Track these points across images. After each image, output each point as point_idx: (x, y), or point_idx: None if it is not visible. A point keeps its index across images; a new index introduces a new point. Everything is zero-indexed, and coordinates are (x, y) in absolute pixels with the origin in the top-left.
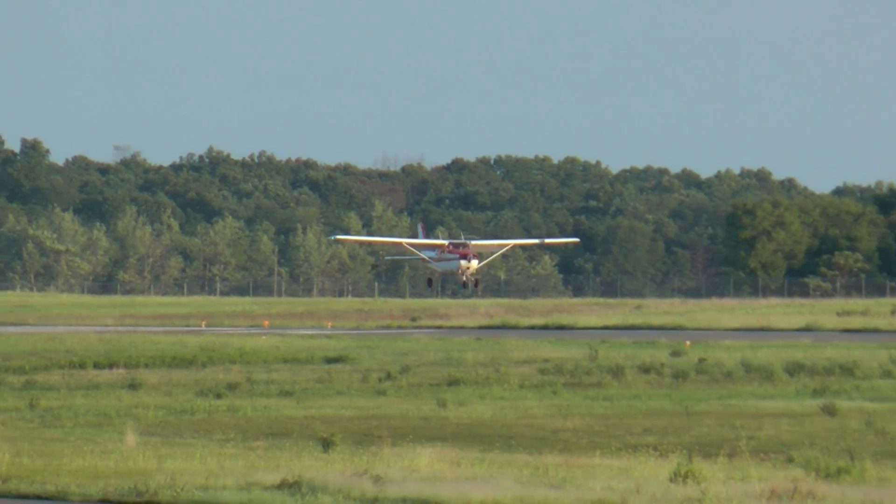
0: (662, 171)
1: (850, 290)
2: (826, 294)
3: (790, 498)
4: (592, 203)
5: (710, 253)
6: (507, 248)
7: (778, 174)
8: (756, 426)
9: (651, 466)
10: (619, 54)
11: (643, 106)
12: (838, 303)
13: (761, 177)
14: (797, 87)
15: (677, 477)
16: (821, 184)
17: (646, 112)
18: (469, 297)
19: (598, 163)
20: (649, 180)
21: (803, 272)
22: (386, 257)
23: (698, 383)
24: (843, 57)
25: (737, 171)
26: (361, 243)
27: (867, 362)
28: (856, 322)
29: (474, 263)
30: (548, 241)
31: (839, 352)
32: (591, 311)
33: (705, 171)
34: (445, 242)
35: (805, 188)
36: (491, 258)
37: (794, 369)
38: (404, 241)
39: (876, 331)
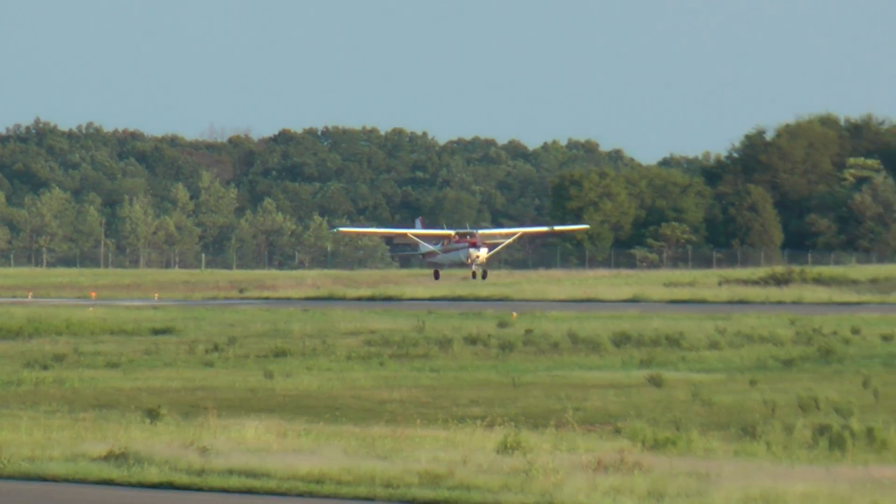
0: (489, 143)
1: (677, 261)
2: (653, 265)
3: (617, 468)
4: (419, 174)
5: (536, 224)
6: (515, 236)
7: (605, 145)
8: (583, 397)
9: (478, 437)
10: (442, 23)
11: (469, 77)
12: (665, 274)
13: (588, 148)
14: (622, 59)
15: (504, 448)
16: (648, 155)
17: (472, 83)
18: (296, 268)
19: (424, 134)
20: (476, 151)
21: (630, 243)
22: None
23: (525, 354)
24: (668, 29)
25: (564, 142)
26: (364, 235)
27: (693, 333)
28: (682, 293)
29: (483, 252)
30: (557, 227)
31: (666, 323)
32: (418, 283)
33: (532, 143)
34: (452, 233)
35: (632, 159)
36: (499, 248)
37: (620, 340)
38: (409, 231)
39: (702, 302)
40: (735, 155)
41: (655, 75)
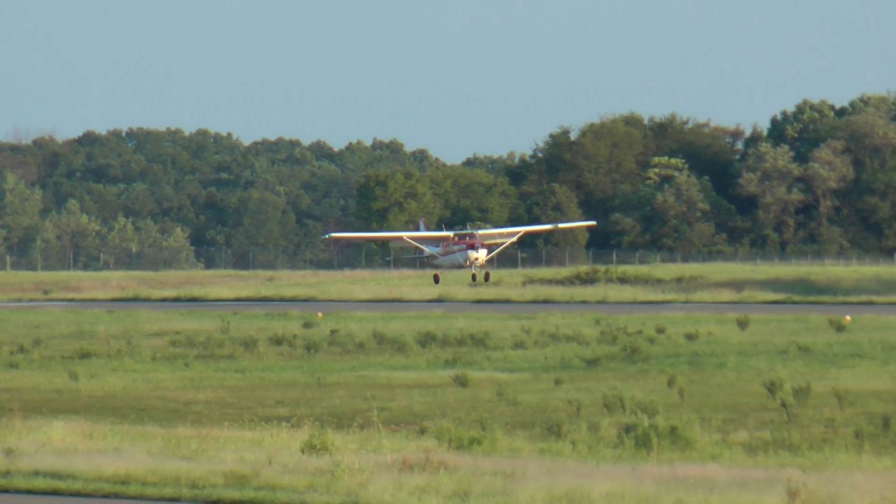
0: (294, 143)
1: None
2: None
3: (422, 468)
4: (224, 175)
5: (342, 225)
6: (517, 235)
7: (409, 145)
8: (388, 397)
9: (284, 438)
10: (241, 24)
11: (273, 77)
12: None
13: (393, 148)
14: (425, 58)
15: (310, 448)
16: (452, 155)
17: (276, 84)
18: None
19: (229, 135)
20: (281, 152)
21: None
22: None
23: (331, 354)
24: (472, 28)
25: (368, 142)
26: (358, 240)
27: (498, 333)
28: (487, 293)
29: (482, 254)
30: (562, 225)
31: (471, 322)
32: (224, 283)
33: (337, 143)
34: (450, 234)
35: (437, 159)
36: (501, 248)
37: (426, 340)
38: (405, 234)
39: (507, 301)
40: (539, 155)
41: (460, 75)
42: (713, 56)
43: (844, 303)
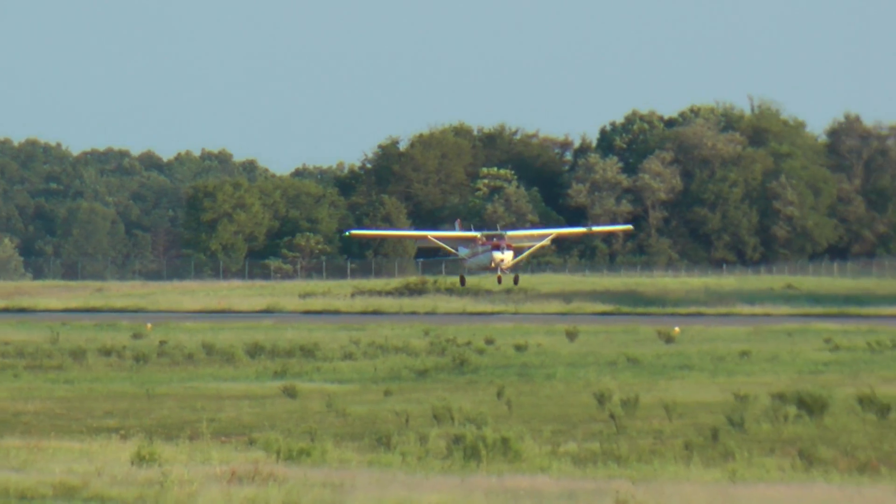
0: (123, 153)
1: (312, 271)
2: (287, 276)
3: (251, 479)
4: (53, 185)
5: (171, 235)
6: (549, 238)
7: (238, 156)
8: (217, 408)
9: (113, 449)
10: (70, 33)
11: (102, 87)
12: (299, 284)
13: (222, 158)
14: (255, 69)
15: (139, 459)
16: (282, 165)
17: (105, 93)
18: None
19: (58, 145)
20: (110, 162)
21: (264, 254)
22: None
23: (160, 366)
24: (294, 40)
25: (197, 153)
26: (380, 237)
27: (328, 344)
28: (316, 304)
29: (508, 256)
30: (595, 228)
31: (300, 333)
32: (53, 294)
33: (166, 154)
34: (478, 234)
35: (266, 170)
36: (531, 250)
37: (255, 351)
38: (430, 233)
39: (336, 312)
40: (368, 165)
41: (289, 85)
42: (542, 67)
43: (673, 314)
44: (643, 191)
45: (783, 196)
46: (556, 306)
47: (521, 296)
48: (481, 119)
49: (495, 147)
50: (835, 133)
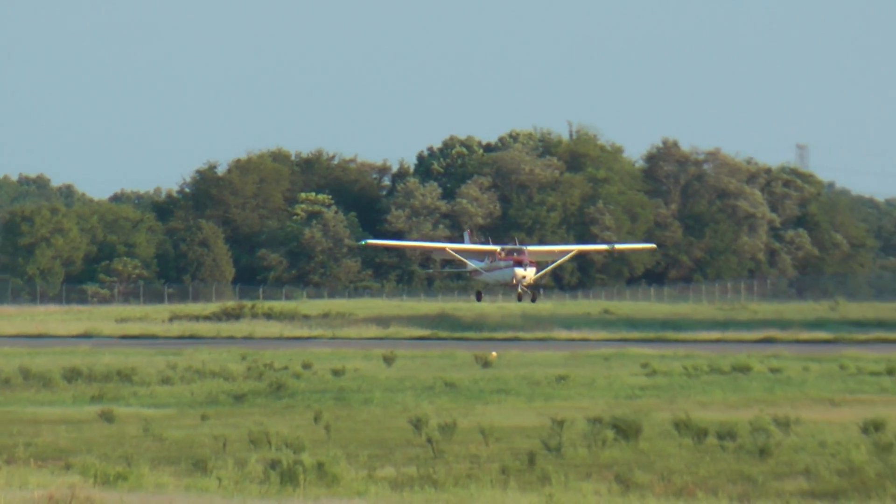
0: None
1: (129, 296)
2: (105, 300)
3: (68, 503)
4: None
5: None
6: (570, 254)
7: (56, 181)
8: (34, 433)
9: None
10: None
11: None
12: (117, 309)
13: (40, 183)
14: (69, 93)
15: None
16: (99, 190)
17: None
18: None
19: None
20: None
21: (82, 279)
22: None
23: None
24: (111, 64)
25: (15, 177)
26: (397, 248)
27: (145, 368)
28: (134, 328)
29: (531, 272)
30: (618, 246)
31: (117, 358)
32: None
33: None
34: (497, 248)
35: (84, 194)
36: (552, 266)
37: (72, 376)
38: (448, 246)
39: (153, 337)
40: (187, 190)
41: (106, 109)
42: (359, 92)
43: (490, 339)
44: (461, 216)
45: (600, 221)
46: (373, 331)
47: (339, 320)
48: (299, 144)
49: (313, 172)
50: (652, 158)
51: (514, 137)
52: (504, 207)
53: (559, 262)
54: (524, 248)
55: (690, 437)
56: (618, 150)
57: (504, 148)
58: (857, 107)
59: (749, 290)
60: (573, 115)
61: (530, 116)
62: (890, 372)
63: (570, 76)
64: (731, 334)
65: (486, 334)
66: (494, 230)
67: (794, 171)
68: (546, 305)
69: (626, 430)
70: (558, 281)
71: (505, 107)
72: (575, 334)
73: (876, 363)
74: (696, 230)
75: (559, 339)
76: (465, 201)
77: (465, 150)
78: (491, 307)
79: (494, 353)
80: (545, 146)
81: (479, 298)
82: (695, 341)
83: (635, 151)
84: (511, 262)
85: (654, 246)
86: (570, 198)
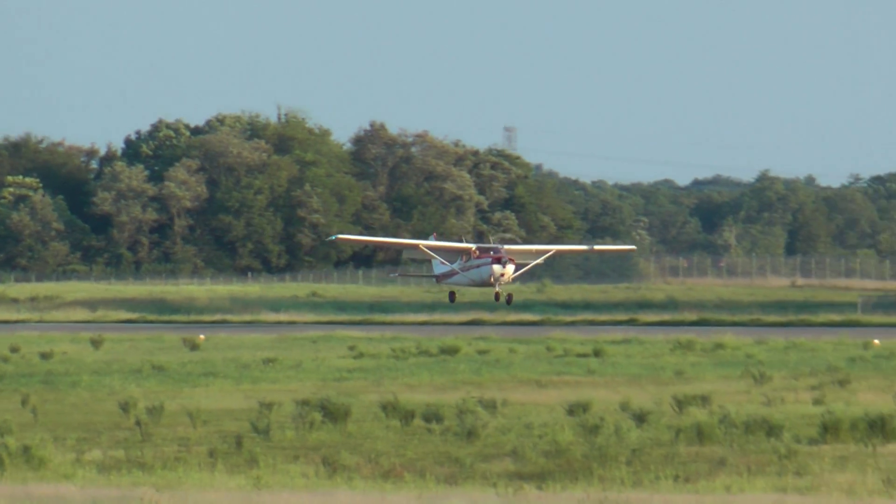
0: None
1: None
2: None
3: None
4: None
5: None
6: (548, 254)
7: None
8: None
9: None
10: None
11: None
12: None
13: None
14: None
15: None
16: None
17: None
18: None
19: None
20: None
21: None
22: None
23: None
24: None
25: None
26: (369, 244)
27: None
28: None
29: (510, 269)
30: (597, 247)
31: None
32: None
33: None
34: (472, 246)
35: None
36: (529, 266)
37: None
38: (422, 243)
39: None
40: None
41: None
42: (68, 76)
43: (199, 322)
44: (169, 199)
45: (308, 204)
46: (81, 314)
47: (47, 304)
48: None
49: (21, 156)
50: (360, 141)
51: (220, 121)
52: (212, 190)
53: (537, 261)
54: (500, 246)
55: (398, 419)
56: (326, 133)
57: (212, 131)
58: (564, 91)
59: None
60: (282, 98)
61: (239, 100)
62: (596, 353)
63: (279, 60)
64: (438, 317)
65: (194, 317)
66: (202, 213)
67: (501, 154)
68: (254, 288)
69: (334, 413)
70: (266, 263)
71: (213, 90)
72: (283, 317)
73: (582, 345)
74: (403, 212)
75: (267, 321)
76: (172, 184)
77: (172, 134)
78: (200, 290)
79: (202, 336)
80: (253, 129)
81: (452, 299)
82: (403, 324)
83: (344, 135)
84: (489, 260)
85: (634, 248)
86: (277, 180)
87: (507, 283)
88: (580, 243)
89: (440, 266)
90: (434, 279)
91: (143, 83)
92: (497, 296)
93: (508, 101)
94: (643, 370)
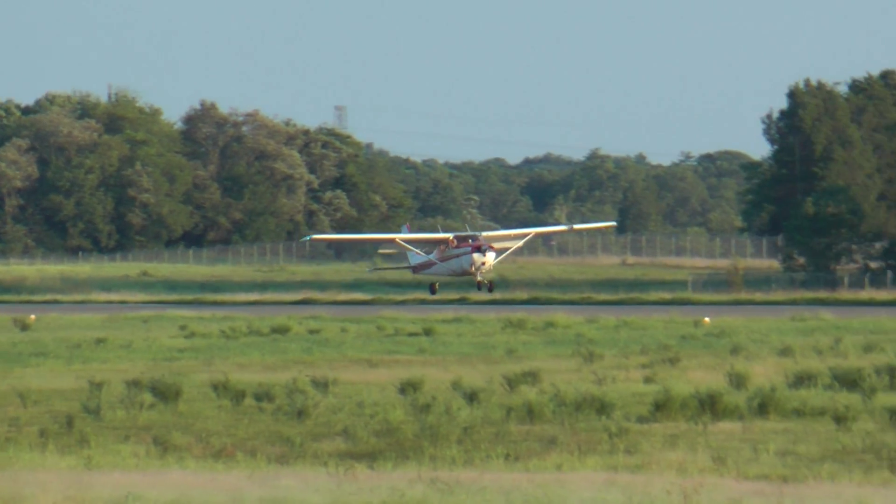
0: None
1: None
2: None
3: None
4: None
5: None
6: (527, 237)
7: None
8: None
9: None
10: None
11: None
12: None
13: None
14: None
15: None
16: None
17: None
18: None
19: None
20: None
21: None
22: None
23: None
24: None
25: None
26: (343, 241)
27: None
28: None
29: (490, 257)
30: (576, 226)
31: None
32: None
33: None
34: (449, 236)
35: None
36: (508, 252)
37: None
38: (398, 236)
39: None
40: None
41: None
42: None
43: (29, 302)
44: None
45: (139, 183)
46: None
47: None
48: None
49: None
50: (191, 120)
51: (51, 100)
52: (42, 170)
53: (516, 246)
54: (478, 234)
55: (229, 398)
56: (157, 113)
57: (42, 111)
58: (394, 69)
59: (288, 252)
60: (112, 77)
61: (69, 79)
62: (427, 332)
63: (109, 38)
64: (269, 296)
65: (24, 297)
66: (33, 193)
67: (332, 133)
68: (84, 268)
69: (165, 393)
70: (96, 243)
71: (43, 70)
72: (114, 296)
73: (413, 324)
74: (234, 192)
75: (98, 301)
76: (3, 164)
77: (3, 113)
78: (30, 270)
79: (33, 316)
80: (84, 109)
81: (433, 291)
82: (234, 303)
83: (174, 114)
84: (468, 249)
85: (614, 224)
86: (108, 160)
87: (489, 271)
88: (559, 223)
89: (416, 257)
90: (411, 270)
91: None
92: (479, 284)
93: (339, 80)
94: (474, 349)
